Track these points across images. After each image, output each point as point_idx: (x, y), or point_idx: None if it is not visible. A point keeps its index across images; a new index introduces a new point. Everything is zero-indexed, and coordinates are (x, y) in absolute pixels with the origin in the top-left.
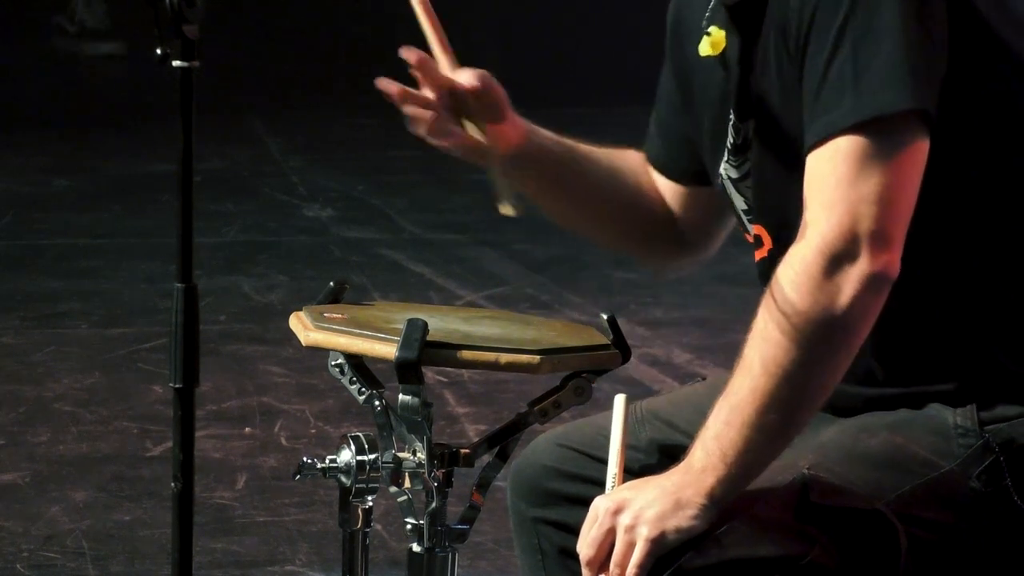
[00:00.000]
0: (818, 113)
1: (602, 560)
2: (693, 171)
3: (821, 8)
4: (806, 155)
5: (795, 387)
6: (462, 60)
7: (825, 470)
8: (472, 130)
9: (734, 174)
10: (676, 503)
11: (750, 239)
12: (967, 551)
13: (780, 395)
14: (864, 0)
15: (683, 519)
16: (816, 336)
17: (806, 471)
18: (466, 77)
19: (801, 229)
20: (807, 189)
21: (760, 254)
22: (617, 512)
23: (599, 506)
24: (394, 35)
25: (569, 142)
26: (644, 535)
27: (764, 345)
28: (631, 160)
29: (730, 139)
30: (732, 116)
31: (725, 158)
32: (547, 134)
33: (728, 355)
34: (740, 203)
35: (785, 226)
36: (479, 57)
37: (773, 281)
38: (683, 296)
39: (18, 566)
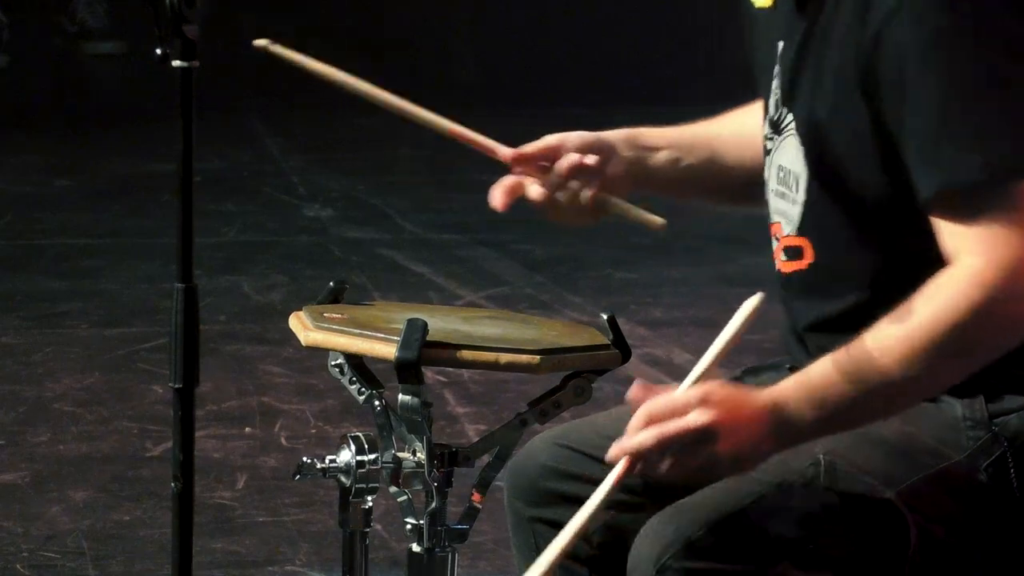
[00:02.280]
0: (964, 148)
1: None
2: None
3: (913, 43)
4: (946, 189)
5: (919, 391)
6: (461, 61)
7: (839, 456)
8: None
9: (768, 145)
10: (754, 460)
11: (777, 232)
12: (974, 543)
13: (903, 391)
14: (958, 37)
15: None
16: (965, 360)
17: (820, 456)
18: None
19: (971, 256)
20: (967, 222)
21: (796, 266)
22: (707, 433)
23: (691, 402)
24: (393, 35)
25: (686, 132)
26: (698, 470)
27: (912, 346)
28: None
29: (771, 108)
30: (777, 90)
31: (765, 120)
32: (655, 142)
33: (728, 355)
34: (772, 182)
35: (832, 246)
36: (470, 60)
37: (942, 288)
38: (683, 296)
39: (18, 566)
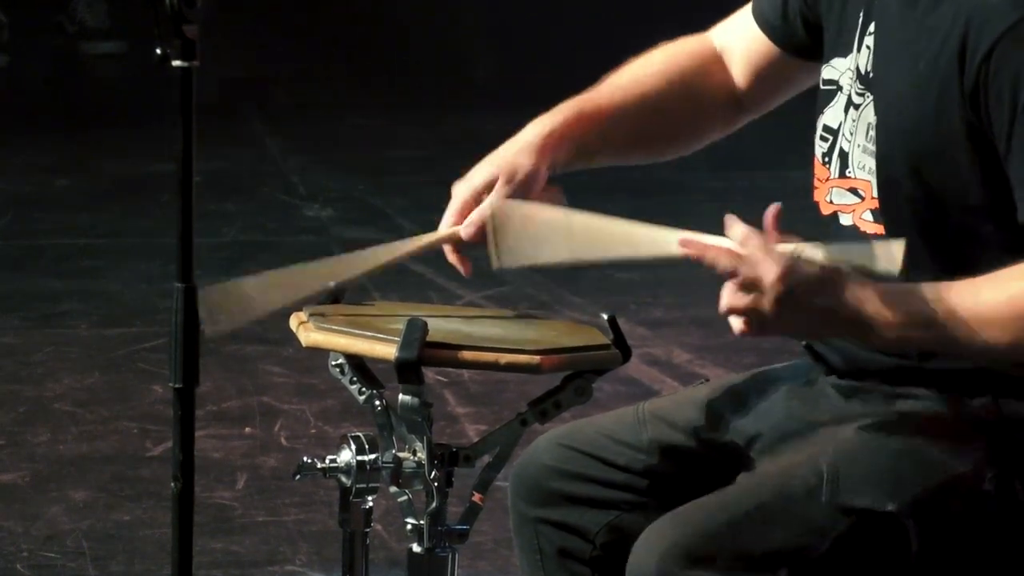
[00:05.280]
0: None
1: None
2: (800, 44)
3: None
4: None
5: (980, 357)
6: (462, 56)
7: (843, 466)
8: None
9: (857, 100)
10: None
11: (825, 173)
12: (976, 553)
13: (968, 353)
14: None
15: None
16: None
17: (824, 466)
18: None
19: None
20: None
21: (856, 208)
22: (773, 292)
23: (762, 261)
24: (394, 36)
25: (595, 117)
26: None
27: (1006, 326)
28: (681, 65)
29: (861, 61)
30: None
31: (848, 65)
32: (568, 143)
33: (728, 355)
34: (860, 137)
35: (897, 203)
36: (475, 57)
37: None
38: (683, 296)
39: (18, 566)
